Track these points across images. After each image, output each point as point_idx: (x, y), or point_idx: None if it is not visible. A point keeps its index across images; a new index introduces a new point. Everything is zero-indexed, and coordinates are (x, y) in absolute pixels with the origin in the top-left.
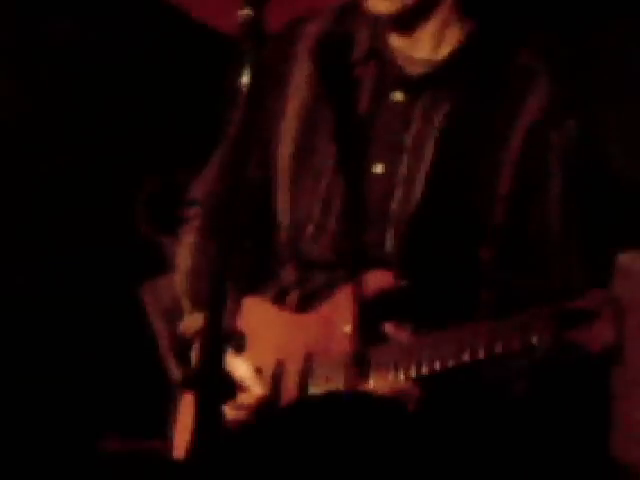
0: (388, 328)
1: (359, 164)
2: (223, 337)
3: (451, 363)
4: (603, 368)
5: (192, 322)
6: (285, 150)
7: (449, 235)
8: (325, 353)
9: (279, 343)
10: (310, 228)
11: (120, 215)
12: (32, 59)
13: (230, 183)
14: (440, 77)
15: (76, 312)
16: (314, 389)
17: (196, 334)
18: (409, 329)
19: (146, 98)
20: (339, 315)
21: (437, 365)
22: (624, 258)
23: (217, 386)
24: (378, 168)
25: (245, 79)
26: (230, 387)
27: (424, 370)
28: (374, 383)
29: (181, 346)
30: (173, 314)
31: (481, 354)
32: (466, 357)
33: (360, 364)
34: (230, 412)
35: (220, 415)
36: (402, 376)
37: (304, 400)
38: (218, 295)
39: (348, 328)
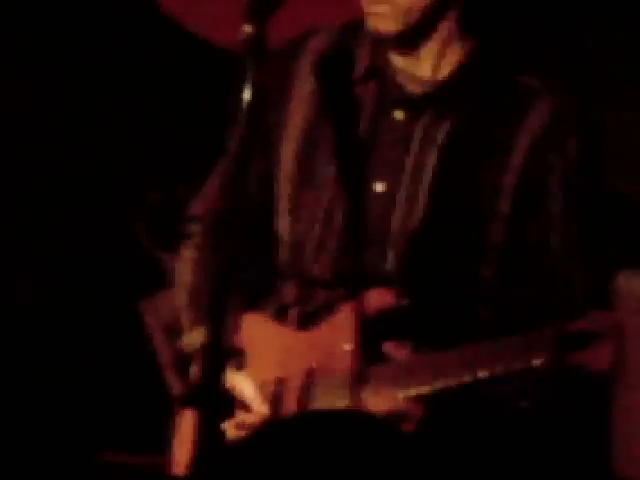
0: (388, 347)
1: (360, 182)
2: (224, 353)
3: (452, 383)
4: (603, 387)
5: (192, 338)
6: (286, 167)
7: (450, 253)
8: (326, 371)
9: (280, 360)
10: (310, 246)
11: (120, 230)
12: (36, 71)
13: (230, 199)
14: (441, 96)
15: (77, 326)
16: (314, 407)
17: (196, 350)
18: (409, 348)
19: (148, 113)
20: (340, 333)
21: (438, 385)
22: (624, 277)
23: (217, 403)
24: (379, 187)
25: (246, 95)
26: (230, 404)
27: (425, 390)
28: (374, 402)
29: (181, 362)
30: (173, 330)
31: (482, 375)
32: (467, 378)
33: (361, 382)
34: (232, 431)
35: (220, 432)
36: (402, 395)
37: (304, 416)
38: (218, 311)
39: (349, 346)
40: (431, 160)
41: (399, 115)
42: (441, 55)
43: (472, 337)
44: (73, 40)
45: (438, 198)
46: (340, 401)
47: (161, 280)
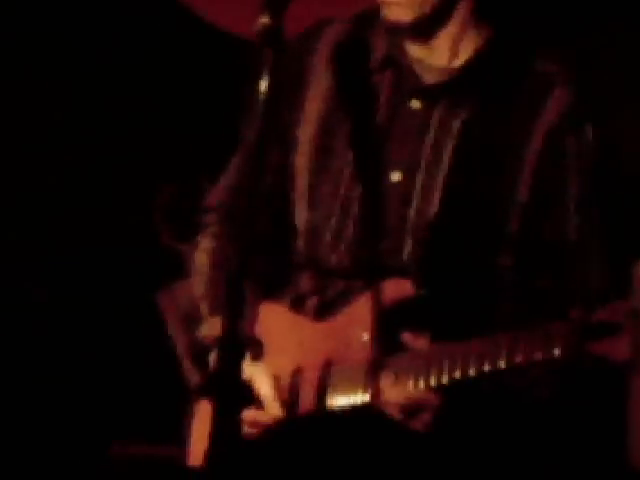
0: (406, 337)
1: (377, 172)
2: (241, 343)
3: (472, 373)
4: (622, 379)
5: (210, 328)
6: (303, 157)
7: (467, 243)
8: (343, 361)
9: (297, 350)
10: (327, 236)
11: (137, 221)
12: (45, 71)
13: (247, 190)
14: (457, 85)
15: (93, 317)
16: (332, 397)
17: (214, 340)
18: (427, 338)
19: (164, 105)
20: (357, 323)
21: (457, 374)
22: None
23: (235, 393)
24: (396, 176)
25: (263, 86)
26: (248, 394)
27: (444, 379)
28: (392, 392)
29: (199, 352)
30: (191, 319)
31: (502, 365)
32: (487, 367)
33: (378, 372)
34: (245, 427)
35: (237, 422)
36: (421, 385)
37: (322, 413)
38: (236, 300)
39: (366, 336)
40: (448, 149)
41: (415, 104)
42: (457, 43)
43: (490, 326)
44: (89, 31)
45: (455, 187)
46: (358, 391)
47: (178, 271)
